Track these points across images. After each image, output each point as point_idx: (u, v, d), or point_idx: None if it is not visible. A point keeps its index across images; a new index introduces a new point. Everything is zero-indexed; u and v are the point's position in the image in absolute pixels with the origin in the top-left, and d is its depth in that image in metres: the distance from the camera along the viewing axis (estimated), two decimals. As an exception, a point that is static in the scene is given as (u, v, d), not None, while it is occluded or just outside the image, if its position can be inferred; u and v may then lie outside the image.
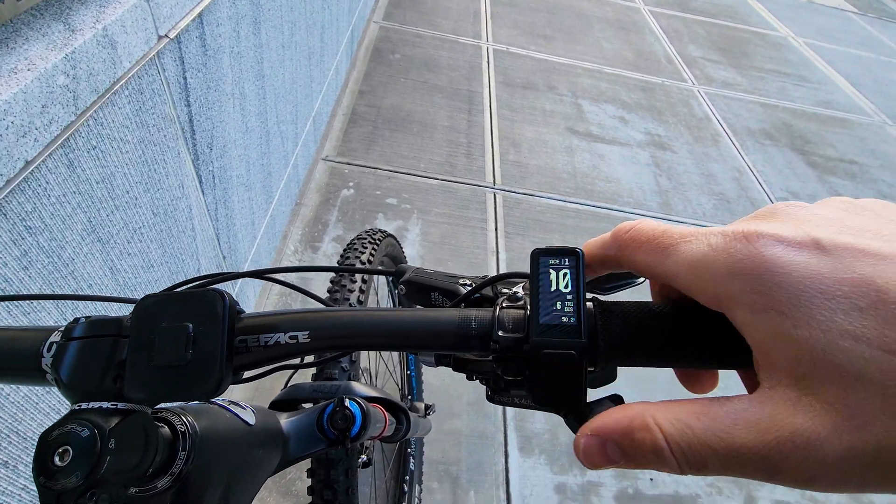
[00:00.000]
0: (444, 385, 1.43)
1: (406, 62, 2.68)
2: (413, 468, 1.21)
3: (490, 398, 0.26)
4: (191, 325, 0.24)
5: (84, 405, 0.24)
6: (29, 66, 0.55)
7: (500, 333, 0.21)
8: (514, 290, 0.25)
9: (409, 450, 1.22)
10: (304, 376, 0.67)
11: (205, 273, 1.11)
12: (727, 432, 0.15)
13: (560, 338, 0.20)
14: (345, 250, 0.84)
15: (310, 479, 0.68)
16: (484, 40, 3.07)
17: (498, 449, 1.33)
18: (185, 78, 0.88)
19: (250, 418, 0.38)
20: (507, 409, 1.43)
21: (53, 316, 0.64)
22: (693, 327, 0.20)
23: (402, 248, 1.09)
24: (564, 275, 0.21)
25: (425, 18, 3.12)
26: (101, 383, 0.25)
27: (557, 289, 0.21)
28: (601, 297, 0.22)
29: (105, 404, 0.25)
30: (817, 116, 3.17)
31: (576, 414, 0.23)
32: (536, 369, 0.20)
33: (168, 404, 0.27)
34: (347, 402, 0.44)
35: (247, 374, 0.32)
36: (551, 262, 0.21)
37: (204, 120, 0.98)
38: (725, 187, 2.42)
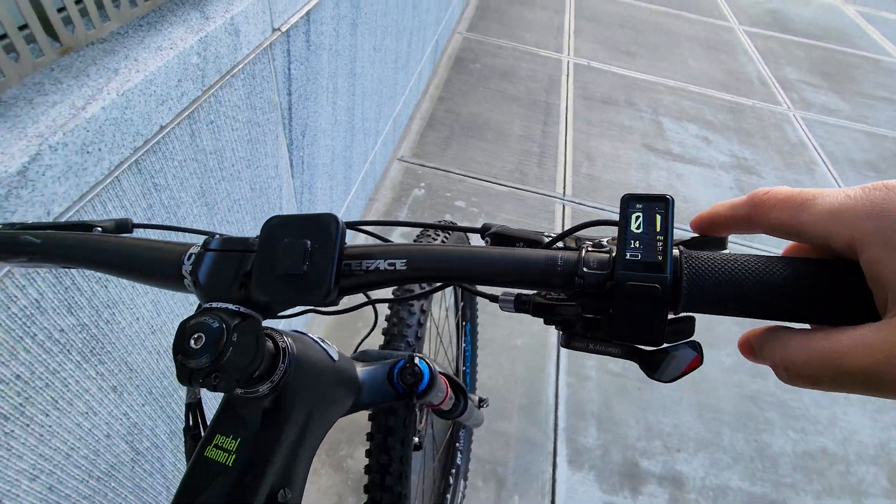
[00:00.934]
0: (498, 386, 1.43)
1: (486, 72, 2.73)
2: (460, 462, 1.23)
3: (566, 344, 0.27)
4: (308, 242, 0.27)
5: (214, 304, 0.29)
6: (171, 45, 0.63)
7: (584, 269, 0.23)
8: (599, 240, 0.27)
9: (457, 444, 1.24)
10: (374, 344, 0.71)
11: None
12: (843, 353, 0.18)
13: (645, 272, 0.21)
14: (418, 236, 0.88)
15: (367, 457, 0.71)
16: (565, 54, 3.07)
17: (546, 458, 1.31)
18: (289, 69, 0.97)
19: (334, 355, 0.42)
20: (560, 420, 1.41)
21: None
22: (793, 277, 0.21)
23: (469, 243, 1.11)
24: (653, 218, 0.22)
25: (508, 31, 3.17)
26: (229, 288, 0.29)
27: (645, 230, 0.22)
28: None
29: (231, 306, 0.29)
30: (935, 150, 2.86)
31: (652, 355, 0.24)
32: (619, 302, 0.22)
33: (273, 324, 0.31)
34: (417, 360, 0.47)
35: (341, 306, 0.36)
36: (640, 205, 0.23)
37: (301, 109, 1.07)
38: (818, 218, 2.24)
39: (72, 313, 0.57)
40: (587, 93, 2.76)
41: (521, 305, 0.29)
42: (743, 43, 3.68)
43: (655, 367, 0.24)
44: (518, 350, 1.53)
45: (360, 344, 0.62)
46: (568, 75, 2.87)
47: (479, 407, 1.00)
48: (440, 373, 0.59)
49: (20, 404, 0.52)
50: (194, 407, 0.37)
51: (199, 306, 0.30)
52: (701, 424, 1.44)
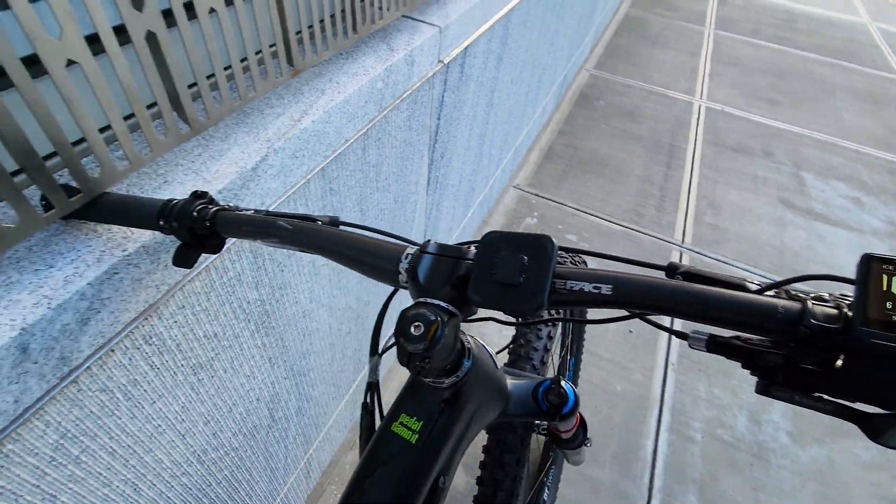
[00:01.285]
0: (592, 429, 1.39)
1: (610, 109, 2.71)
2: (546, 499, 1.20)
3: (764, 391, 0.28)
4: (525, 257, 0.31)
5: (430, 300, 0.34)
6: (364, 71, 0.73)
7: (812, 321, 0.24)
8: (819, 293, 0.27)
9: (545, 479, 1.21)
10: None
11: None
12: None
13: (893, 333, 0.21)
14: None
15: (479, 470, 0.74)
16: (697, 97, 2.94)
17: (639, 515, 1.24)
18: (443, 97, 1.06)
19: (499, 365, 0.45)
20: (655, 480, 1.32)
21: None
22: None
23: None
24: None
25: (637, 70, 3.12)
26: (442, 287, 0.34)
27: (890, 290, 0.22)
28: None
29: (442, 303, 0.34)
30: None
31: (874, 420, 0.23)
32: (856, 360, 0.22)
33: (457, 311, 0.35)
34: (563, 383, 0.49)
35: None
36: (885, 266, 0.23)
37: (444, 133, 1.15)
38: None
39: (257, 289, 0.67)
40: (718, 139, 2.62)
41: (714, 346, 0.30)
42: (913, 98, 3.25)
43: (881, 431, 0.23)
44: (617, 396, 1.47)
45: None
46: (698, 119, 2.75)
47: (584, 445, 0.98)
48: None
49: (211, 358, 0.63)
50: (374, 387, 0.42)
51: (410, 308, 0.35)
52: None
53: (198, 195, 0.42)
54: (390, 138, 0.89)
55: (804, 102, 3.06)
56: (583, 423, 0.62)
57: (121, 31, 0.41)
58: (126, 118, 0.48)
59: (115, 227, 0.46)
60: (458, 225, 1.63)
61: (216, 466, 0.73)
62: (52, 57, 0.35)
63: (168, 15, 0.45)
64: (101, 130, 0.44)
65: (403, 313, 0.33)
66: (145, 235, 0.46)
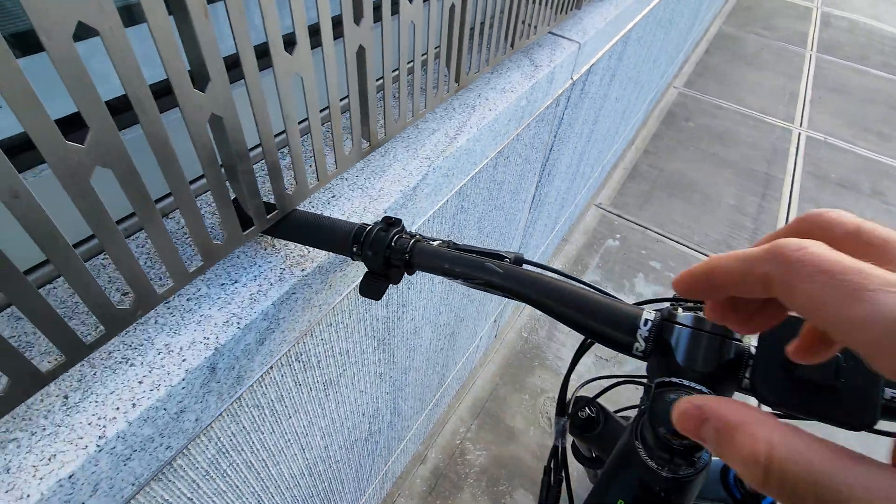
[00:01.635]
0: None
1: (699, 131, 2.57)
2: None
3: None
4: (840, 356, 0.26)
5: (687, 382, 0.29)
6: (512, 88, 0.70)
7: None
8: None
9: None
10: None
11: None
12: (851, 489, 0.13)
13: None
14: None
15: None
16: (797, 125, 2.75)
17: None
18: (563, 114, 1.01)
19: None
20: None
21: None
22: None
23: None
24: None
25: (730, 91, 2.95)
26: (704, 370, 0.29)
27: None
28: None
29: (704, 388, 0.29)
30: None
31: None
32: None
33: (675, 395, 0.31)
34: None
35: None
36: None
37: (556, 151, 1.11)
38: None
39: (386, 307, 0.65)
40: (820, 171, 2.43)
41: None
42: None
43: None
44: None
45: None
46: (797, 149, 2.56)
47: None
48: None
49: (338, 374, 0.61)
50: (559, 452, 0.38)
51: (654, 382, 0.31)
52: None
53: (390, 222, 0.40)
54: (516, 156, 0.85)
55: (919, 139, 2.79)
56: None
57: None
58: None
59: (291, 244, 0.44)
60: (542, 243, 1.57)
61: (320, 479, 0.72)
62: (282, 70, 0.34)
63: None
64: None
65: (660, 394, 0.28)
66: (321, 255, 0.44)
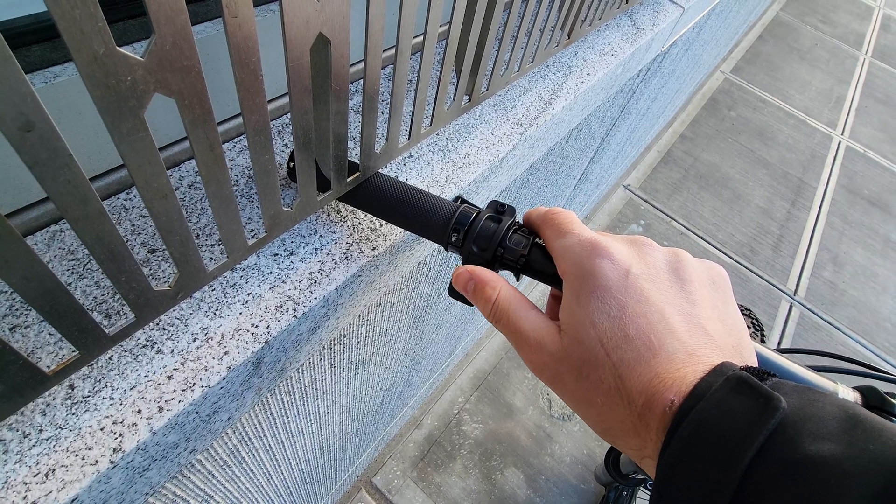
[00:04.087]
0: None
1: (740, 123, 2.44)
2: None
3: None
4: None
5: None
6: (612, 51, 0.59)
7: None
8: None
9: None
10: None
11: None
12: (523, 321, 0.25)
13: None
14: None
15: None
16: (838, 132, 2.62)
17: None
18: (637, 86, 0.90)
19: None
20: None
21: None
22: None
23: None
24: None
25: (776, 85, 2.79)
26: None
27: None
28: None
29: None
30: None
31: None
32: None
33: None
34: None
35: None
36: None
37: (617, 126, 1.00)
38: None
39: (431, 284, 0.57)
40: (854, 185, 2.34)
41: None
42: None
43: None
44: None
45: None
46: (835, 157, 2.45)
47: None
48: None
49: (371, 353, 0.54)
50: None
51: None
52: None
53: (501, 210, 0.31)
54: (588, 128, 0.75)
55: (957, 166, 2.70)
56: None
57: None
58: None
59: (359, 212, 0.35)
60: (570, 219, 1.49)
61: (328, 450, 0.66)
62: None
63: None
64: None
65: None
66: (396, 232, 0.35)
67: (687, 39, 1.04)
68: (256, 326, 0.29)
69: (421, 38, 0.30)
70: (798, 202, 2.16)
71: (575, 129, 0.66)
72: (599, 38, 0.60)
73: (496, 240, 0.30)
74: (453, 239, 0.30)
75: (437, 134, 0.42)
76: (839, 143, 2.56)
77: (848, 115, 2.78)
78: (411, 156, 0.40)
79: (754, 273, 1.83)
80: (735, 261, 1.84)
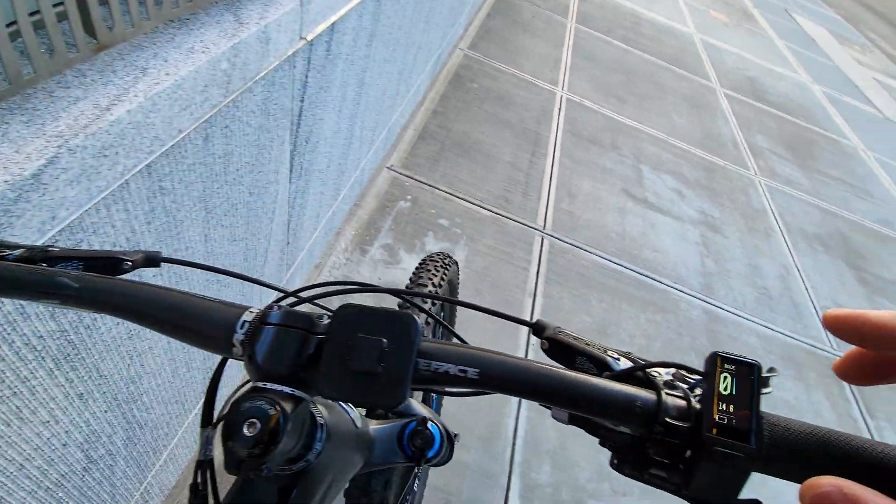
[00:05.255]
0: (459, 413, 1.44)
1: (483, 93, 2.76)
2: (416, 490, 1.22)
3: (616, 466, 0.28)
4: (385, 341, 0.27)
5: (268, 385, 0.28)
6: (204, 49, 0.61)
7: (667, 419, 0.24)
8: (666, 377, 0.27)
9: (416, 470, 1.23)
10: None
11: (272, 258, 1.16)
12: None
13: (733, 438, 0.22)
14: (417, 269, 0.88)
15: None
16: (560, 88, 3.14)
17: (500, 492, 1.32)
18: (306, 77, 0.94)
19: (357, 420, 0.41)
20: (516, 454, 1.42)
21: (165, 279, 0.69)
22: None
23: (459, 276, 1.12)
24: (743, 384, 0.23)
25: (508, 56, 3.21)
26: (288, 370, 0.28)
27: (733, 393, 0.23)
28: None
29: (286, 389, 0.28)
30: (877, 234, 3.11)
31: None
32: (701, 462, 0.23)
33: (305, 395, 0.30)
34: (429, 424, 0.46)
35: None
36: (732, 368, 0.24)
37: (309, 116, 1.04)
38: (770, 283, 2.39)
39: (54, 318, 0.53)
40: (576, 130, 2.84)
41: (575, 420, 0.30)
42: (722, 106, 3.89)
43: None
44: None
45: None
46: (560, 110, 2.94)
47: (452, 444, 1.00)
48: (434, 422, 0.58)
49: None
50: (206, 465, 0.35)
51: (244, 385, 0.29)
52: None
53: None
54: (242, 125, 0.76)
55: (645, 102, 3.46)
56: (450, 439, 0.61)
57: None
58: None
59: None
60: (328, 211, 1.52)
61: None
62: None
63: None
64: None
65: (235, 406, 0.26)
66: None
67: (360, 26, 1.12)
68: None
69: None
70: (537, 152, 2.54)
71: (207, 126, 0.67)
72: (191, 36, 0.61)
73: None
74: None
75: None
76: (561, 97, 3.07)
77: (565, 73, 3.34)
78: None
79: (511, 219, 2.11)
80: (494, 212, 2.10)
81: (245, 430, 0.25)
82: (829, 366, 2.10)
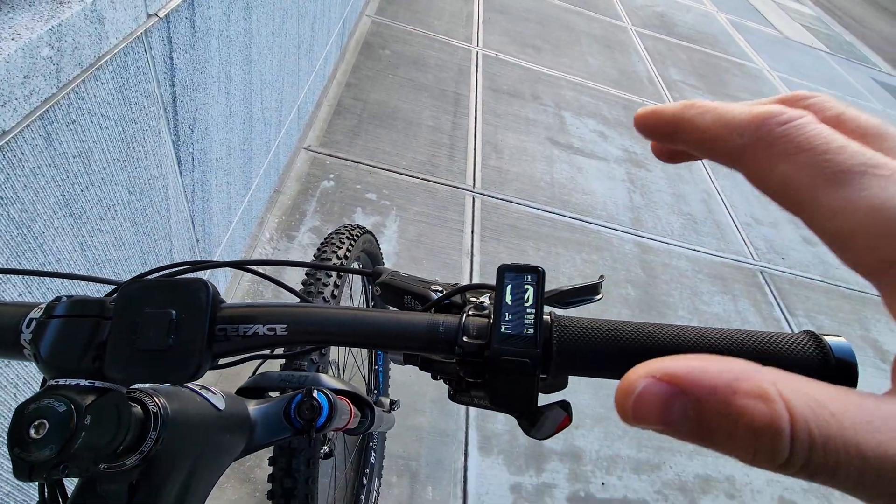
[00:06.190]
0: (410, 381, 1.45)
1: (395, 59, 2.68)
2: (374, 461, 1.23)
3: (452, 397, 0.28)
4: (174, 312, 0.25)
5: (62, 381, 0.25)
6: (13, 35, 0.54)
7: (464, 339, 0.24)
8: (481, 299, 0.27)
9: (370, 443, 1.24)
10: (273, 365, 0.68)
11: (182, 259, 1.10)
12: (887, 436, 0.11)
13: (517, 346, 0.22)
14: (322, 244, 0.85)
15: (270, 468, 0.69)
16: (474, 44, 3.10)
17: (458, 447, 1.36)
18: (171, 58, 0.87)
19: (220, 403, 0.39)
20: (470, 409, 1.46)
21: (18, 289, 0.63)
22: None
23: (379, 245, 1.10)
24: (526, 290, 0.23)
25: (418, 17, 3.13)
26: (80, 361, 0.26)
27: (519, 302, 0.23)
28: (559, 312, 0.25)
29: (83, 382, 0.26)
30: (784, 148, 3.32)
31: (528, 416, 0.25)
32: (495, 374, 0.23)
33: (142, 385, 0.28)
34: (315, 394, 0.46)
35: (222, 361, 0.33)
36: (515, 277, 0.24)
37: (187, 101, 0.97)
38: (694, 208, 2.52)
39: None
40: (495, 85, 2.83)
41: (409, 358, 0.29)
42: (635, 43, 3.97)
43: (531, 427, 0.25)
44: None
45: (256, 368, 0.59)
46: (477, 66, 2.91)
47: (391, 410, 1.00)
48: (343, 392, 0.58)
49: None
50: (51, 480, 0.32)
51: (44, 382, 0.26)
52: (596, 401, 1.57)
53: None
54: (96, 117, 0.70)
55: (560, 48, 3.48)
56: (365, 405, 0.61)
57: None
58: None
59: None
60: (241, 202, 1.45)
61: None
62: None
63: None
64: None
65: (20, 410, 0.24)
66: None
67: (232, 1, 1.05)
68: None
69: None
70: (458, 112, 2.52)
71: (43, 121, 0.60)
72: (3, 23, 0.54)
73: None
74: None
75: None
76: (477, 53, 3.03)
77: (478, 28, 3.30)
78: None
79: (440, 183, 2.09)
80: (422, 179, 2.08)
81: (32, 433, 0.23)
82: (751, 274, 2.25)
